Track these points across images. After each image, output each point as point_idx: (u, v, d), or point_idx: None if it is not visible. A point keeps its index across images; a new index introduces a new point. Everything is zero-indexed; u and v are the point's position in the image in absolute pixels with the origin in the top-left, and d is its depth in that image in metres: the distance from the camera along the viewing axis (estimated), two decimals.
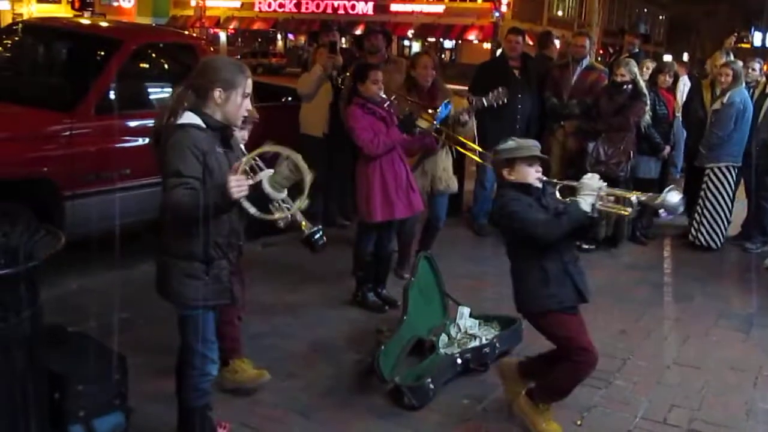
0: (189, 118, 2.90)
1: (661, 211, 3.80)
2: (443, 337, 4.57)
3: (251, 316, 4.92)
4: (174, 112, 2.93)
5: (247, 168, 2.82)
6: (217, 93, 2.92)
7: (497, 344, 4.48)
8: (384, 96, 5.12)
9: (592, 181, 3.45)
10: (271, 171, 2.85)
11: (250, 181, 2.75)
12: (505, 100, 6.14)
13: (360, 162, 5.19)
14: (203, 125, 2.90)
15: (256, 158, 2.93)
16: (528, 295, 3.57)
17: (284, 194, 2.87)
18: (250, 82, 3.01)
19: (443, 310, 4.87)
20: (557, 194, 3.62)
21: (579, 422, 3.82)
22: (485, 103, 5.87)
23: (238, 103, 2.97)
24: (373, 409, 3.85)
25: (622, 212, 3.58)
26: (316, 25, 46.02)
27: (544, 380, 3.68)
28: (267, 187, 2.81)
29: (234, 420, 3.55)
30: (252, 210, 2.77)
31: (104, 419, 3.14)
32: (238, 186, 2.68)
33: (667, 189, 3.48)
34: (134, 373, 3.36)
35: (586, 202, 3.39)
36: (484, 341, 4.49)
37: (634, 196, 3.55)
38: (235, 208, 2.79)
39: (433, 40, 46.38)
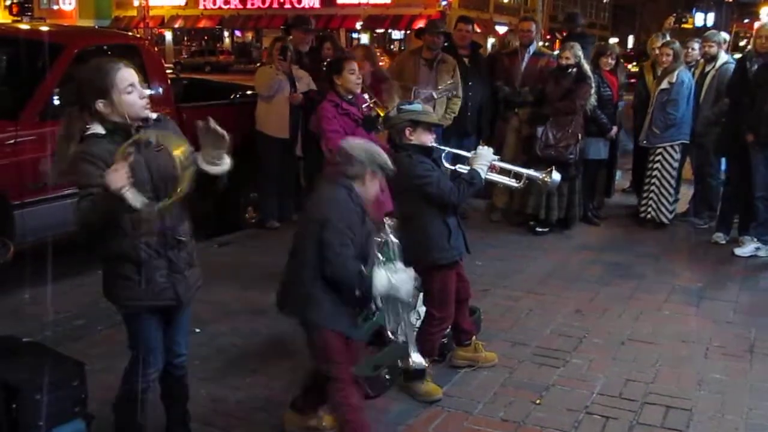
0: (93, 128, 2.79)
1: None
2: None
3: (210, 315, 4.92)
4: (71, 138, 2.79)
5: (130, 156, 2.60)
6: (101, 105, 2.77)
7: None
8: (359, 92, 5.07)
9: (487, 152, 3.91)
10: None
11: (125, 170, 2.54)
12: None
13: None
14: (102, 132, 2.78)
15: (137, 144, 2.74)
16: (434, 247, 3.84)
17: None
18: (122, 73, 2.78)
19: None
20: (444, 162, 4.05)
21: (538, 401, 3.90)
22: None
23: (129, 102, 2.77)
24: None
25: (511, 184, 4.23)
26: (263, 21, 45.86)
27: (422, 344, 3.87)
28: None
29: (197, 420, 3.53)
30: (138, 201, 2.55)
31: (65, 427, 3.11)
32: (116, 175, 2.51)
33: (551, 169, 4.23)
34: (93, 380, 3.33)
35: (483, 171, 3.87)
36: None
37: (524, 172, 4.23)
38: (123, 201, 2.55)
39: (381, 31, 46.39)
